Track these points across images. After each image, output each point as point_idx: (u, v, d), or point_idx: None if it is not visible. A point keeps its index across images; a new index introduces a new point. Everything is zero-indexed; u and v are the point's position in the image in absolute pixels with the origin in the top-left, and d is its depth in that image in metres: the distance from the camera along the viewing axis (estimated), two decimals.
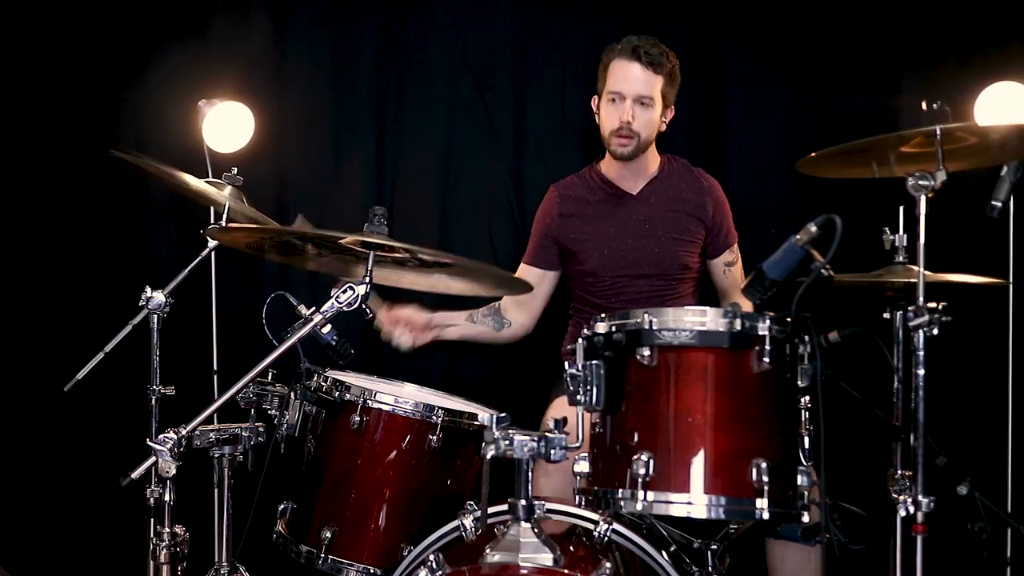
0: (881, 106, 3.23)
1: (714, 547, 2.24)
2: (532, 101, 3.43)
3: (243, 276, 3.42)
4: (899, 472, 2.18)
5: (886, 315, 2.32)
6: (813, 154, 2.19)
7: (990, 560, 2.23)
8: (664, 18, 3.34)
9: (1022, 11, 3.18)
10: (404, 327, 2.85)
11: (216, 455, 2.33)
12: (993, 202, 1.99)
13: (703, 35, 3.38)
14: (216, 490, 2.36)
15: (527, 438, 1.79)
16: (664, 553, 2.09)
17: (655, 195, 3.01)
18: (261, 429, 2.37)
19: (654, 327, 1.81)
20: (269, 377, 2.37)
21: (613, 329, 1.86)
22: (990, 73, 3.01)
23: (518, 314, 3.07)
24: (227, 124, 3.13)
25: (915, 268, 2.27)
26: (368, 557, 2.27)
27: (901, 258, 2.34)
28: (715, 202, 3.02)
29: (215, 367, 3.30)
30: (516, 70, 3.43)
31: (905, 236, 2.33)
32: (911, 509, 1.96)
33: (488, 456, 1.77)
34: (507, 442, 1.78)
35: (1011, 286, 2.99)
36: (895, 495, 2.03)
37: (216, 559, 2.40)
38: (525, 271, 3.09)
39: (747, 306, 1.95)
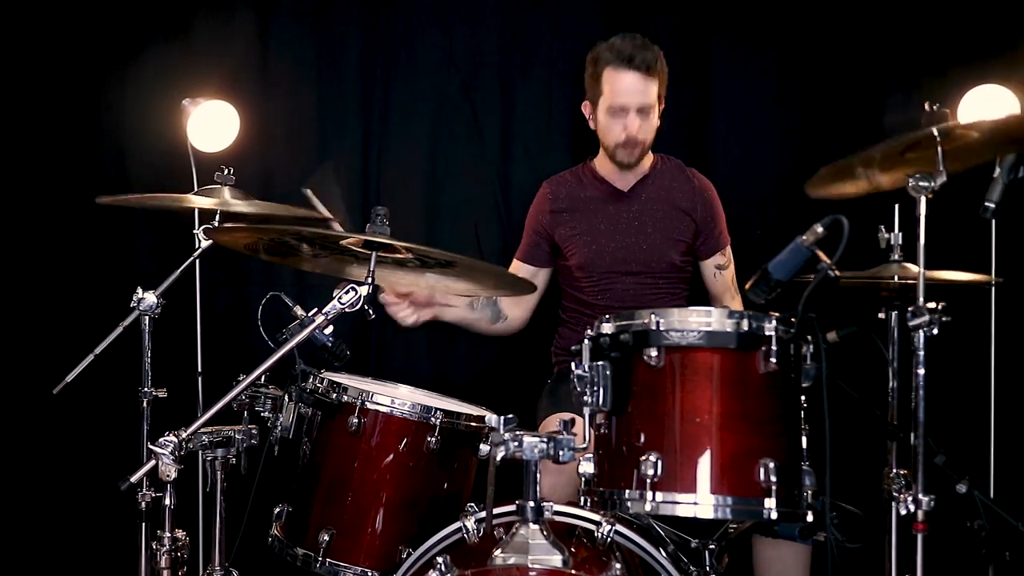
0: (867, 109, 3.26)
1: (712, 547, 2.24)
2: (519, 101, 3.42)
3: (228, 277, 3.38)
4: (894, 471, 2.21)
5: (881, 315, 2.34)
6: (823, 170, 2.12)
7: (989, 558, 2.26)
8: (650, 19, 3.34)
9: (1001, 14, 3.23)
10: (407, 303, 2.78)
11: (209, 458, 2.30)
12: (987, 203, 2.01)
13: (689, 37, 3.38)
14: (207, 493, 2.34)
15: (536, 439, 1.78)
16: (663, 552, 2.09)
17: (645, 192, 3.02)
18: (254, 431, 2.35)
19: (661, 328, 1.82)
20: (262, 379, 2.34)
21: (619, 330, 1.86)
22: (971, 75, 3.05)
23: (514, 309, 3.06)
24: (212, 123, 3.09)
25: (909, 266, 2.29)
26: (366, 560, 2.25)
27: (896, 256, 2.36)
28: (705, 202, 3.03)
29: (199, 369, 3.26)
30: (503, 70, 3.42)
31: (900, 235, 2.35)
32: (911, 507, 1.97)
33: (498, 458, 1.76)
34: (516, 443, 1.78)
35: (993, 284, 3.03)
36: (894, 493, 2.05)
37: (204, 564, 2.37)
38: (518, 267, 3.10)
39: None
